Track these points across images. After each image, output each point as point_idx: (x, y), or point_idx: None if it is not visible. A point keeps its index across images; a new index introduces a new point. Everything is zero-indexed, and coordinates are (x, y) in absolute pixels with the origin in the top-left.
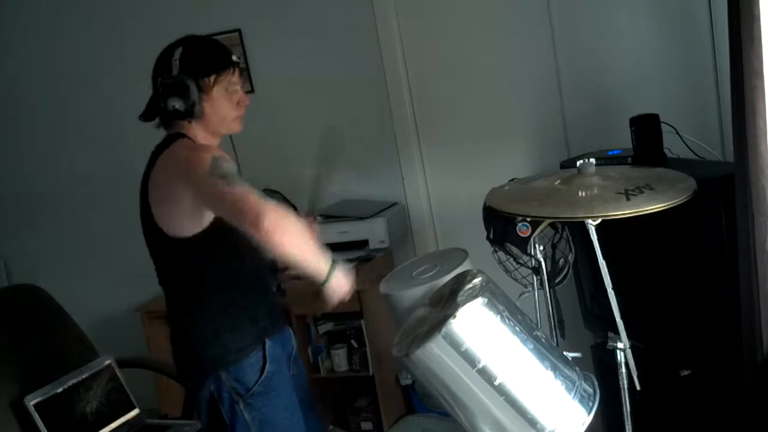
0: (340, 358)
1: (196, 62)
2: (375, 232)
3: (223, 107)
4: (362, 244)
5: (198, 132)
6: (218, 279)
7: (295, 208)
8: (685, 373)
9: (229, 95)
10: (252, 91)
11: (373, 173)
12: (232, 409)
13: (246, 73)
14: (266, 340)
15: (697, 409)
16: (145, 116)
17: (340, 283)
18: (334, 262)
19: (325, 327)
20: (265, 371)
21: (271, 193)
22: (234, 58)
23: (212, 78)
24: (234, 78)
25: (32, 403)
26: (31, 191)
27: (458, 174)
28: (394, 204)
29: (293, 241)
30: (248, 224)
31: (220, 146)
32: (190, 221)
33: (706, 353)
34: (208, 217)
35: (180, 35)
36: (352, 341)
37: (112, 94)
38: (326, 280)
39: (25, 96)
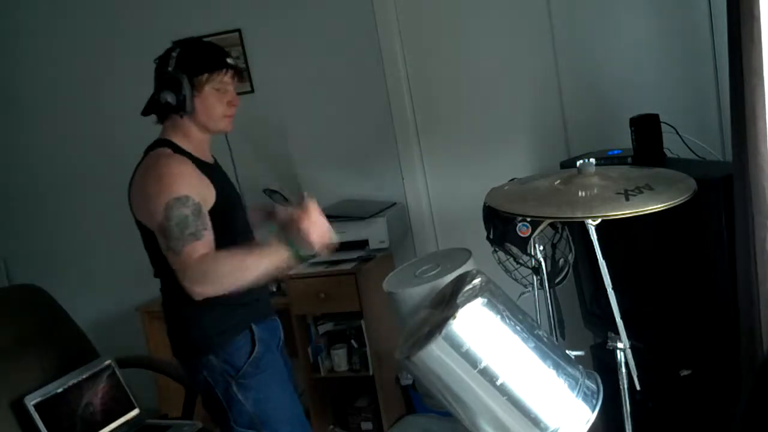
0: (340, 358)
1: (191, 61)
2: (375, 232)
3: (212, 105)
4: (362, 244)
5: (187, 127)
6: None
7: None
8: (685, 373)
9: (220, 94)
10: (252, 91)
11: (373, 173)
12: (227, 391)
13: (246, 73)
14: (252, 325)
15: (697, 409)
16: (145, 112)
17: (309, 232)
18: (291, 241)
19: (325, 327)
20: (254, 352)
21: (271, 193)
22: (230, 60)
23: (204, 76)
24: (226, 78)
25: (32, 403)
26: (32, 191)
27: (458, 174)
28: (394, 204)
29: (220, 286)
30: (177, 276)
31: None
32: None
33: (706, 353)
34: None
35: (180, 35)
36: (352, 341)
37: (113, 94)
38: (297, 254)
39: (27, 96)
